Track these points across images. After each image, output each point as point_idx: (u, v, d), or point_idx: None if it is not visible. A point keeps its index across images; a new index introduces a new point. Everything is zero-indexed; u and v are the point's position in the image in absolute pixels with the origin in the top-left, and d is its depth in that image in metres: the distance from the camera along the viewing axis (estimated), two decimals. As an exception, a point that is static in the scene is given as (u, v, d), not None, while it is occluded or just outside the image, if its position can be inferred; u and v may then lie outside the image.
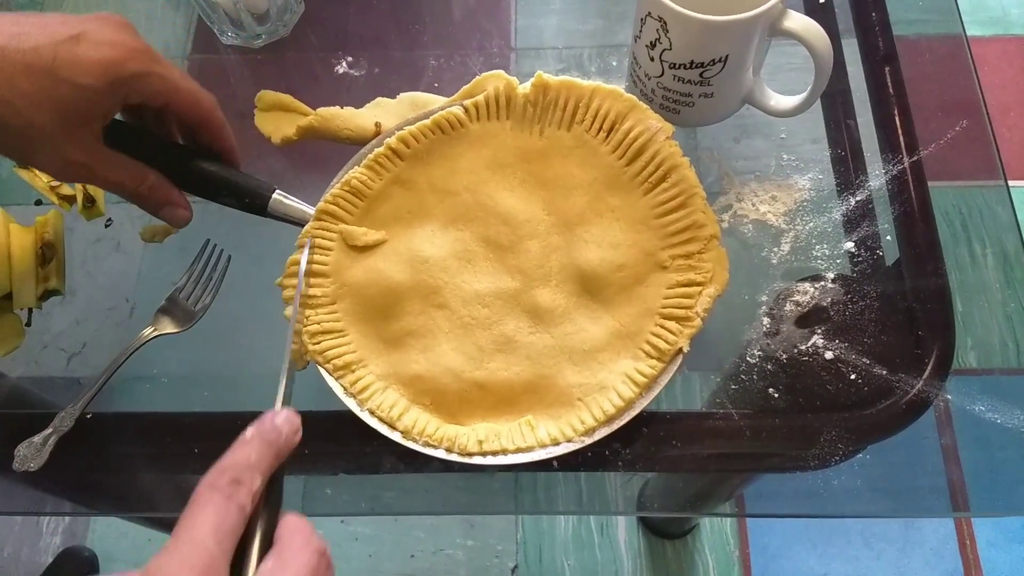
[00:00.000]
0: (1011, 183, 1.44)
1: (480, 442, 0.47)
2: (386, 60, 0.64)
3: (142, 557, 1.23)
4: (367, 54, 0.65)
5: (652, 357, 0.48)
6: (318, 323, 0.50)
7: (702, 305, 0.48)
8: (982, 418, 0.50)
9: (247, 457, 0.35)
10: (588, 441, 0.46)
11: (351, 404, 0.48)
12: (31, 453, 0.50)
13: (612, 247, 0.50)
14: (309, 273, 0.51)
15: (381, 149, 0.53)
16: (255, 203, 0.51)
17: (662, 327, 0.48)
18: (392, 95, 0.60)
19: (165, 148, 0.50)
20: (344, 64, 0.64)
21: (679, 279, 0.49)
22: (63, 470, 0.50)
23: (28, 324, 0.57)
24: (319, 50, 0.65)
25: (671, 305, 0.48)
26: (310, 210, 0.52)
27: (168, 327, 0.53)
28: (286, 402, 0.42)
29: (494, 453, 0.47)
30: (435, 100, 0.58)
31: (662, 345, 0.48)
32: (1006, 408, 0.51)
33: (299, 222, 0.52)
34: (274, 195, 0.51)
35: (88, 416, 0.51)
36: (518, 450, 0.46)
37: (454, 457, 0.47)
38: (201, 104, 0.48)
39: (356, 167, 0.53)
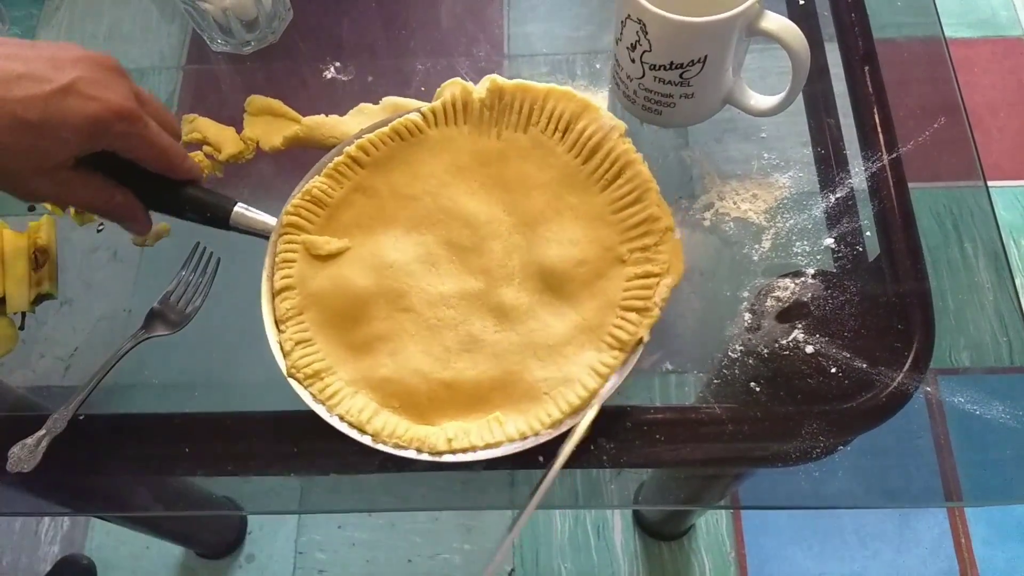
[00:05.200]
0: (1002, 183, 1.46)
1: (449, 440, 0.47)
2: (374, 66, 0.65)
3: (140, 564, 1.25)
4: (356, 60, 0.66)
5: (615, 348, 0.49)
6: (290, 338, 0.51)
7: (660, 295, 0.49)
8: (976, 416, 0.51)
9: None
10: (555, 433, 0.47)
11: (319, 410, 0.49)
12: (24, 455, 0.50)
13: (572, 244, 0.51)
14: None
15: (341, 158, 0.54)
16: (217, 216, 0.52)
17: (623, 319, 0.49)
18: (379, 101, 0.61)
19: (130, 170, 0.50)
20: (333, 70, 0.65)
21: (637, 271, 0.50)
22: (56, 471, 0.51)
23: (21, 328, 0.57)
24: (308, 56, 0.66)
25: (631, 297, 0.50)
26: (271, 221, 0.53)
27: (159, 329, 0.54)
28: None
29: (463, 451, 0.47)
30: (414, 104, 0.59)
31: (624, 336, 0.49)
32: (1000, 406, 0.51)
33: (262, 234, 0.53)
34: (236, 208, 0.52)
35: (81, 418, 0.52)
36: (487, 446, 0.47)
37: (424, 457, 0.47)
38: (170, 161, 0.49)
39: (316, 176, 0.54)
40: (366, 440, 0.48)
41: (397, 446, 0.48)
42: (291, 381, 0.50)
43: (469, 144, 0.54)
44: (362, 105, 0.61)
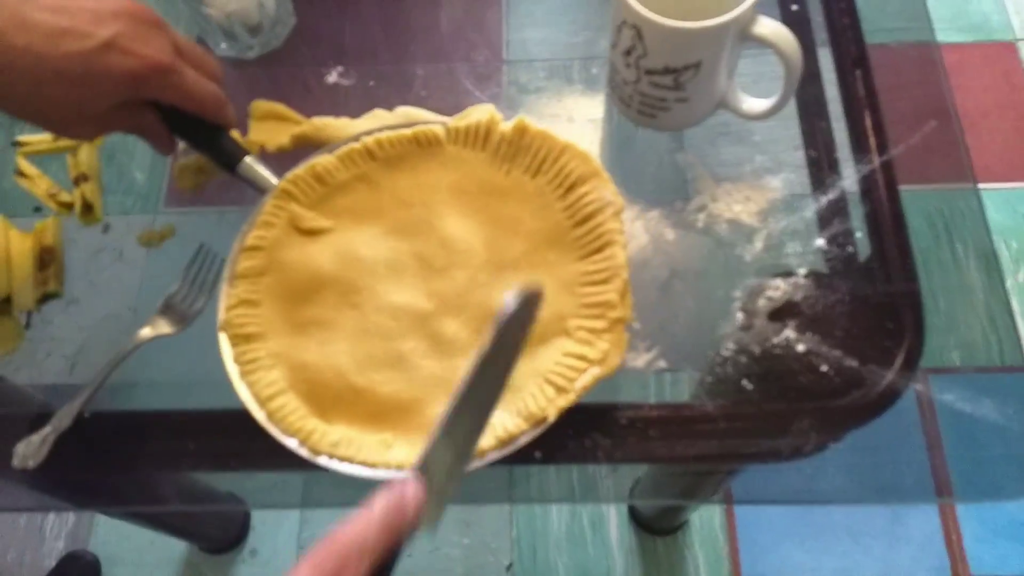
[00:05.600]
0: (993, 185, 1.47)
1: (333, 444, 0.48)
2: (376, 71, 0.66)
3: (145, 560, 1.26)
4: (358, 65, 0.66)
5: (520, 416, 0.47)
6: (237, 296, 0.51)
7: (583, 382, 0.48)
8: (966, 414, 0.52)
9: (363, 538, 0.30)
10: None
11: (232, 372, 0.50)
12: (30, 451, 0.51)
13: None
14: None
15: (356, 145, 0.55)
16: (229, 161, 0.54)
17: (540, 390, 0.48)
18: (381, 104, 0.62)
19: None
20: (335, 74, 0.66)
21: (575, 351, 0.49)
22: (61, 468, 0.52)
23: (27, 326, 0.58)
24: (311, 61, 0.67)
25: (558, 372, 0.48)
26: (276, 181, 0.54)
27: (164, 328, 0.55)
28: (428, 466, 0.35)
29: (341, 459, 0.47)
30: (430, 117, 0.60)
31: (532, 408, 0.47)
32: (990, 404, 0.52)
33: (262, 189, 0.54)
34: (246, 158, 0.54)
35: (86, 415, 0.53)
36: (363, 463, 0.47)
37: (303, 452, 0.48)
38: (206, 109, 0.52)
39: (326, 155, 0.55)
40: (260, 416, 0.49)
41: (284, 432, 0.48)
42: (221, 338, 0.51)
43: (479, 171, 0.54)
44: (376, 111, 0.62)
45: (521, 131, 0.54)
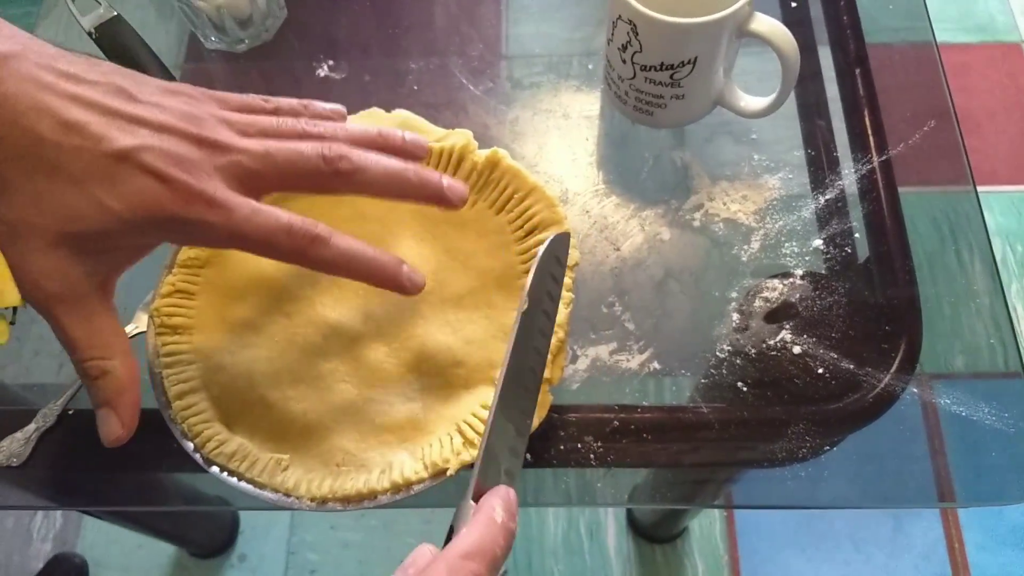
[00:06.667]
0: (999, 188, 1.46)
1: (228, 456, 0.46)
2: (368, 65, 0.66)
3: (132, 563, 1.25)
4: (349, 59, 0.66)
5: (421, 463, 0.45)
6: (172, 284, 0.50)
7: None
8: (969, 420, 0.51)
9: (495, 545, 0.31)
10: (314, 506, 0.45)
11: (155, 363, 0.49)
12: (14, 449, 0.51)
13: (465, 342, 0.49)
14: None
15: None
16: None
17: (449, 439, 0.46)
18: (372, 99, 0.61)
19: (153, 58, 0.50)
20: (326, 68, 0.65)
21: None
22: (46, 466, 0.51)
23: (12, 323, 0.57)
24: (302, 55, 0.66)
25: (470, 424, 0.46)
26: None
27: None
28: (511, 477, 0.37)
29: (231, 472, 0.46)
30: (425, 127, 0.59)
31: (436, 457, 0.45)
32: (992, 410, 0.51)
33: None
34: None
35: (71, 412, 0.52)
36: (252, 482, 0.46)
37: (196, 457, 0.47)
38: (279, 251, 0.40)
39: None
40: (167, 414, 0.48)
41: (184, 435, 0.47)
42: (150, 328, 0.50)
43: None
44: (374, 109, 0.61)
45: (493, 163, 0.52)
